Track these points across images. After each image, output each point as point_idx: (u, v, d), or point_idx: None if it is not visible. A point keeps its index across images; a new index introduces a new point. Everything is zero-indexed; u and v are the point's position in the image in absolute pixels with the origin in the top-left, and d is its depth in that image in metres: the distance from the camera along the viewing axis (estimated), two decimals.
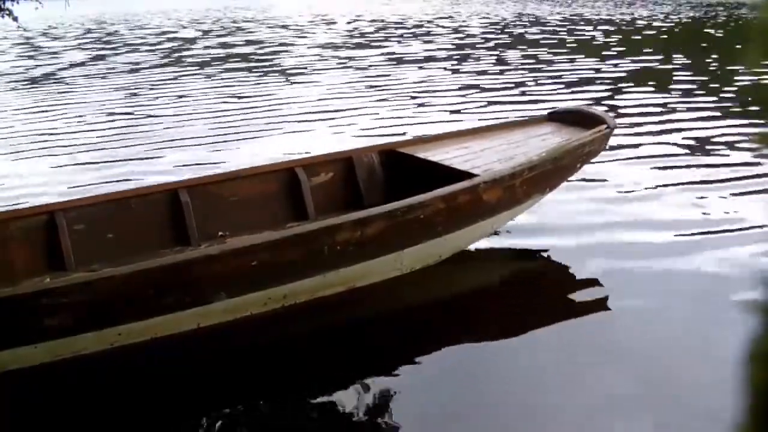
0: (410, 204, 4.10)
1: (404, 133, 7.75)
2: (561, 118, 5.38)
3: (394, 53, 15.57)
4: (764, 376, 3.56)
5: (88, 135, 8.53)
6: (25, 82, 13.02)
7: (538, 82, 11.43)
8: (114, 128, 8.82)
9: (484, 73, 12.60)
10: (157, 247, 4.35)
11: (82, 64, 15.42)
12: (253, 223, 4.58)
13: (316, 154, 5.45)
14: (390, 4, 32.76)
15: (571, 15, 24.50)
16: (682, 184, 6.13)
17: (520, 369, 3.59)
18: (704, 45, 16.11)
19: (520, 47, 16.08)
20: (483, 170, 4.49)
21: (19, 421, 3.29)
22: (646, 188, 6.04)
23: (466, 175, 4.44)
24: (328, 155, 5.23)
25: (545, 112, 5.70)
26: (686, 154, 7.03)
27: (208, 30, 22.90)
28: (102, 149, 7.81)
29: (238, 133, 8.40)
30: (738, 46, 15.57)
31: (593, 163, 5.40)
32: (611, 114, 5.44)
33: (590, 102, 9.28)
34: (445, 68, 13.23)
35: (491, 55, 14.92)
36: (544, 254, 4.86)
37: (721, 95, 9.80)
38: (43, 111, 10.08)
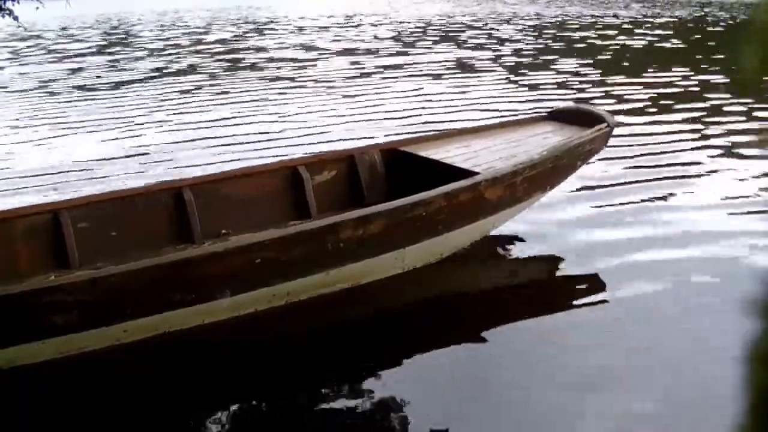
0: (412, 202, 4.12)
1: (406, 129, 7.78)
2: (561, 116, 5.41)
3: (397, 54, 15.54)
4: (765, 376, 3.57)
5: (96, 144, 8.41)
6: (43, 89, 12.70)
7: (541, 81, 11.45)
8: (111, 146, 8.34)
9: (485, 72, 12.61)
10: (160, 246, 4.37)
11: (94, 69, 15.04)
12: (255, 222, 4.61)
13: (319, 152, 5.47)
14: (404, 5, 32.51)
15: (594, 15, 24.46)
16: (684, 184, 6.13)
17: (520, 367, 3.61)
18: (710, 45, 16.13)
19: (529, 46, 16.07)
20: (484, 169, 4.52)
21: (25, 417, 3.32)
22: (647, 188, 6.05)
23: (468, 173, 4.47)
24: (330, 154, 5.26)
25: (546, 111, 5.73)
26: (689, 154, 7.04)
27: (235, 33, 22.45)
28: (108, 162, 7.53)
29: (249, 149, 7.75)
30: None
31: (594, 161, 5.42)
32: (611, 112, 5.47)
33: (593, 101, 9.31)
34: (447, 68, 13.23)
35: (494, 54, 14.92)
36: (545, 252, 4.89)
37: (728, 96, 9.80)
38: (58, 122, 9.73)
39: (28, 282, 3.81)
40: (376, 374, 3.56)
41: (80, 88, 12.61)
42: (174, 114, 9.91)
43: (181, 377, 3.59)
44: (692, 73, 11.72)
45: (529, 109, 8.88)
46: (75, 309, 3.44)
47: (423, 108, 9.56)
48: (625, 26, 20.38)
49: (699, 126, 8.12)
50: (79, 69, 15.12)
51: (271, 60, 15.29)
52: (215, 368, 3.64)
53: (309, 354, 3.77)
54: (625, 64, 13.02)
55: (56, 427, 3.27)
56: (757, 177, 6.32)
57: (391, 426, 3.20)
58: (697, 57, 13.59)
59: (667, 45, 16.18)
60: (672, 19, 22.17)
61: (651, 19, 22.26)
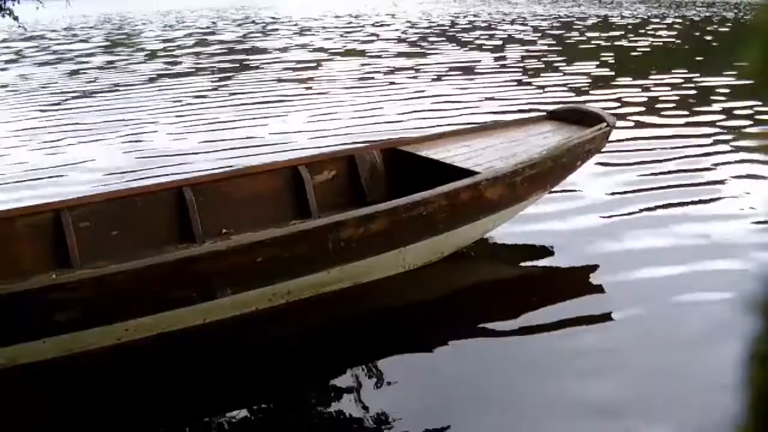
0: (412, 201, 4.13)
1: (407, 129, 7.76)
2: (561, 116, 5.42)
3: (400, 55, 15.54)
4: (765, 376, 3.57)
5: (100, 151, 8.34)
6: (45, 90, 12.60)
7: (544, 82, 11.45)
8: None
9: (487, 72, 12.62)
10: (161, 245, 4.38)
11: (96, 70, 14.90)
12: (256, 221, 4.62)
13: (319, 152, 5.48)
14: (408, 5, 32.39)
15: (598, 15, 24.41)
16: (688, 188, 6.10)
17: (519, 366, 3.62)
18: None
19: (532, 47, 16.06)
20: (484, 168, 4.53)
21: (27, 416, 3.32)
22: (650, 191, 6.02)
23: (468, 172, 4.48)
24: (331, 153, 5.28)
25: (546, 111, 5.74)
26: (693, 159, 6.98)
27: (238, 33, 22.32)
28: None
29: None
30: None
31: (596, 162, 5.42)
32: (614, 114, 5.48)
33: (596, 103, 9.30)
34: (450, 69, 13.23)
35: (495, 53, 14.92)
36: (545, 252, 4.89)
37: (733, 97, 9.75)
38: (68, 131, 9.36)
39: (30, 281, 3.82)
40: (376, 373, 3.56)
41: (82, 88, 12.60)
42: (176, 114, 9.89)
43: (182, 376, 3.60)
44: (697, 74, 11.69)
45: (532, 110, 8.88)
46: (76, 308, 3.45)
47: (424, 108, 9.55)
48: (630, 26, 20.36)
49: (703, 128, 8.09)
50: (82, 70, 15.10)
51: (275, 61, 15.29)
52: (216, 367, 3.65)
53: (310, 353, 3.77)
54: (630, 65, 13.02)
55: (56, 426, 3.27)
56: (764, 180, 6.31)
57: (391, 426, 3.20)
58: (702, 58, 13.59)
59: (672, 46, 16.18)
60: (678, 20, 22.15)
61: (656, 20, 22.24)
